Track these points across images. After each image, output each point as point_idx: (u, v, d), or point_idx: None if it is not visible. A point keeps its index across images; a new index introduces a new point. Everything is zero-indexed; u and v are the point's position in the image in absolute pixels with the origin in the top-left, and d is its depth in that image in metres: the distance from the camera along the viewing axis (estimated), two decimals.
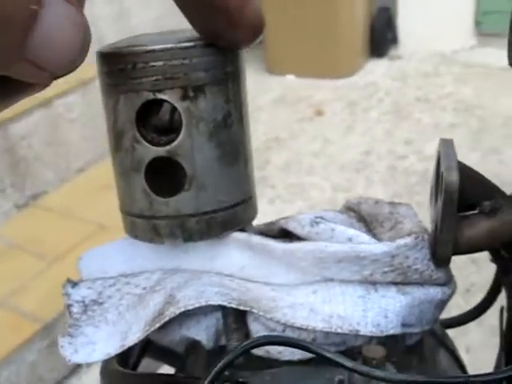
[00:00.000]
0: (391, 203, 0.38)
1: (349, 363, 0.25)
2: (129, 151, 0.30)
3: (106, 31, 2.23)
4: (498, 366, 0.39)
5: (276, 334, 0.31)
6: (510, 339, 0.38)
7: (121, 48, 0.29)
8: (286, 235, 0.36)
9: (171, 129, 0.30)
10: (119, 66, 0.29)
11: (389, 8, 3.12)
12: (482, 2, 3.09)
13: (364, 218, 0.38)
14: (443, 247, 0.31)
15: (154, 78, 0.28)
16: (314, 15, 2.81)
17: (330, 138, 2.46)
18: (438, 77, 2.90)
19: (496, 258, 0.36)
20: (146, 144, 0.29)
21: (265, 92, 2.88)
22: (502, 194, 0.34)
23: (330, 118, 2.62)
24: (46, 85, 0.20)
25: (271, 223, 0.36)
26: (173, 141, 0.29)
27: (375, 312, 0.31)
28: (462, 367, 0.37)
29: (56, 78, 0.19)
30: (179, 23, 0.30)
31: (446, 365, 0.36)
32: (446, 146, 0.33)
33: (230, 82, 0.30)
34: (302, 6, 2.85)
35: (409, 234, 0.31)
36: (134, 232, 0.32)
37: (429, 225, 0.35)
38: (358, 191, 2.09)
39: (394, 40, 3.17)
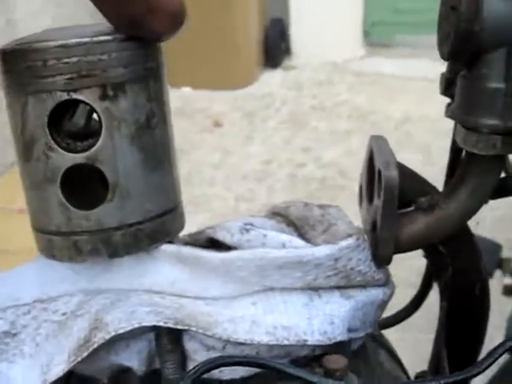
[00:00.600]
0: (320, 206, 0.37)
1: (315, 378, 0.23)
2: (41, 160, 0.26)
3: None
4: (434, 365, 0.39)
5: (216, 351, 0.29)
6: (445, 336, 0.37)
7: (27, 44, 0.25)
8: (213, 245, 0.33)
9: (88, 133, 0.27)
10: (27, 64, 0.25)
11: (281, 19, 3.17)
12: (370, 13, 3.22)
13: (293, 222, 0.36)
14: (385, 246, 0.30)
15: (67, 75, 0.25)
16: (208, 27, 2.80)
17: (230, 149, 2.45)
18: (332, 85, 2.97)
19: (430, 253, 0.36)
20: (61, 151, 0.26)
21: None
22: (435, 189, 0.33)
23: (228, 129, 2.62)
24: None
25: (197, 233, 0.34)
26: (92, 146, 0.26)
27: (321, 319, 0.29)
28: (403, 369, 0.36)
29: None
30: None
31: (389, 367, 0.35)
32: (379, 142, 0.32)
33: (151, 78, 0.27)
34: (196, 18, 2.84)
35: (350, 235, 0.30)
36: (50, 251, 0.28)
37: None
38: (261, 200, 2.09)
39: (287, 50, 3.23)
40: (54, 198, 0.27)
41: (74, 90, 0.25)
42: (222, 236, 0.32)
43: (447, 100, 0.33)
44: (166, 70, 0.29)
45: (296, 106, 2.79)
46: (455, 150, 0.36)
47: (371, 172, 0.33)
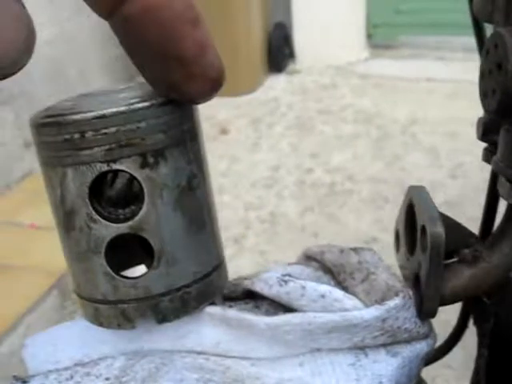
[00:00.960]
0: (354, 249, 0.36)
1: None
2: (83, 231, 0.26)
3: None
4: None
5: None
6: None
7: (61, 115, 0.25)
8: (250, 295, 0.33)
9: (129, 198, 0.26)
10: (63, 137, 0.24)
11: (284, 23, 3.16)
12: (372, 15, 3.21)
13: (330, 269, 0.36)
14: (430, 302, 0.29)
15: (106, 146, 0.24)
16: (211, 33, 2.80)
17: (237, 156, 2.45)
18: (337, 89, 2.97)
19: (471, 304, 0.35)
20: (104, 221, 0.25)
21: None
22: (478, 239, 0.33)
23: (235, 136, 2.62)
24: None
25: (233, 284, 0.34)
26: (134, 214, 0.25)
27: (369, 380, 0.28)
28: None
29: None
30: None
31: None
32: (419, 194, 0.32)
33: (189, 139, 0.26)
34: None
35: (396, 294, 0.29)
36: (97, 319, 0.28)
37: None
38: (270, 208, 2.09)
39: (291, 55, 3.23)
40: (99, 268, 0.26)
41: (114, 161, 0.24)
42: (260, 288, 0.32)
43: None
44: (202, 129, 0.28)
45: (301, 110, 2.79)
46: (492, 197, 0.35)
47: (410, 222, 0.32)
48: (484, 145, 0.34)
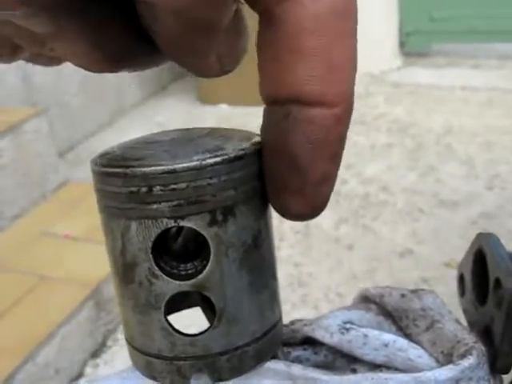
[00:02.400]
0: (415, 292, 0.35)
1: None
2: (143, 285, 0.25)
3: None
4: None
5: None
6: None
7: (128, 166, 0.23)
8: (309, 342, 0.32)
9: (191, 253, 0.25)
10: (129, 189, 0.23)
11: None
12: (405, 23, 3.18)
13: (390, 313, 0.35)
14: (505, 359, 0.28)
15: (175, 202, 0.23)
16: (251, 44, 2.80)
17: None
18: (370, 97, 2.94)
19: None
20: (166, 278, 0.24)
21: (199, 122, 2.84)
22: None
23: None
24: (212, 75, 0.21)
25: (292, 330, 0.33)
26: (197, 271, 0.24)
27: None
28: None
29: (222, 74, 0.22)
30: None
31: None
32: (493, 242, 0.30)
33: (258, 196, 0.25)
34: None
35: (468, 351, 0.28)
36: (150, 372, 0.27)
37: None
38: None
39: None
40: (157, 323, 0.25)
41: (182, 218, 0.23)
42: (320, 336, 0.31)
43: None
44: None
45: None
46: None
47: (479, 270, 0.31)
48: None
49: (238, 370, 0.26)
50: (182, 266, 0.25)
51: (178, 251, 0.25)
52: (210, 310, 0.26)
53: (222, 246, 0.24)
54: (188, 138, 0.26)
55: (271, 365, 0.28)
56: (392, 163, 2.36)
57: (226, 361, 0.26)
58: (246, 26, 0.21)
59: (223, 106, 2.95)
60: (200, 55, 0.20)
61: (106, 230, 0.25)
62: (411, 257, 1.83)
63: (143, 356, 0.27)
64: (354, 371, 0.31)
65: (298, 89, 0.20)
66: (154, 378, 0.27)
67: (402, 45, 3.24)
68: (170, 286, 0.24)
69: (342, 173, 2.34)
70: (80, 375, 1.54)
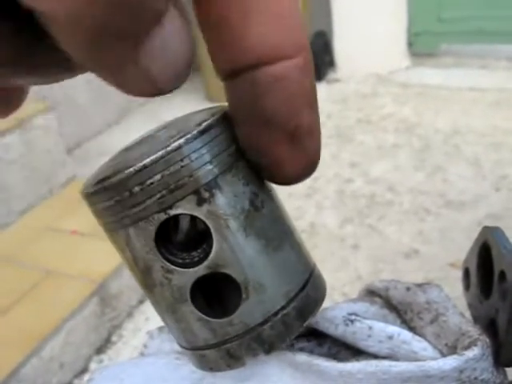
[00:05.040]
0: (420, 286, 0.35)
1: None
2: (164, 285, 0.25)
3: None
4: None
5: None
6: None
7: (106, 178, 0.24)
8: (312, 331, 0.32)
9: (197, 236, 0.25)
10: (115, 199, 0.24)
11: (325, 32, 3.15)
12: (414, 23, 3.17)
13: (395, 306, 0.35)
14: (510, 351, 0.28)
15: (157, 195, 0.23)
16: None
17: None
18: (377, 97, 2.94)
19: None
20: (180, 269, 0.24)
21: None
22: None
23: None
24: (144, 94, 0.19)
25: None
26: (207, 253, 0.24)
27: None
28: None
29: (157, 93, 0.18)
30: None
31: None
32: (497, 236, 0.30)
33: (238, 160, 0.25)
34: None
35: (473, 342, 0.28)
36: (206, 366, 0.27)
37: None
38: (310, 218, 2.08)
39: (331, 63, 3.21)
40: (191, 316, 0.25)
41: (170, 207, 0.23)
42: (325, 328, 0.31)
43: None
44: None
45: (341, 119, 2.77)
46: None
47: (484, 264, 0.31)
48: None
49: (286, 334, 0.26)
50: (193, 253, 0.25)
51: (183, 241, 0.25)
52: (234, 285, 0.25)
53: (219, 220, 0.24)
54: (154, 135, 0.26)
55: (275, 353, 0.28)
56: (399, 163, 2.36)
57: (270, 328, 0.26)
58: (187, 30, 0.17)
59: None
60: (114, 69, 0.17)
61: (115, 248, 0.26)
62: (417, 257, 1.83)
63: (194, 352, 0.27)
64: None
65: (255, 51, 0.20)
66: (212, 370, 0.27)
67: (410, 45, 3.23)
68: (187, 276, 0.24)
69: (348, 172, 2.34)
70: (85, 370, 1.54)
